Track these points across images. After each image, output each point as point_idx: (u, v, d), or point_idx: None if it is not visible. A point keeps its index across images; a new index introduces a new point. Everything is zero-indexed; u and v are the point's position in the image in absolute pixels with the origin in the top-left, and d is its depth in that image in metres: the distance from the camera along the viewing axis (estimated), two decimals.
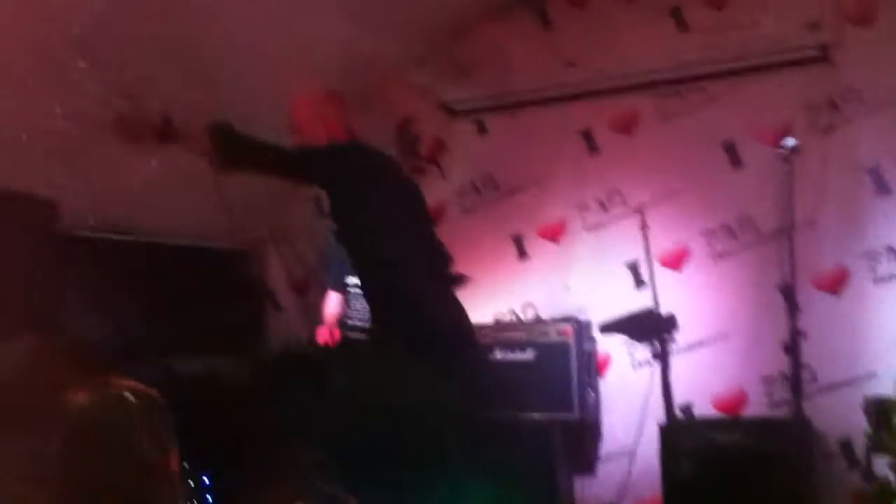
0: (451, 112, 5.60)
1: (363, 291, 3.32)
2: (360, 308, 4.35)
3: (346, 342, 4.27)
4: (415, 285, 3.08)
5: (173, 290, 5.02)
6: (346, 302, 4.52)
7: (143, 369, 4.24)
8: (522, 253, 5.48)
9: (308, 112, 3.34)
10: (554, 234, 5.41)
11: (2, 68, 3.87)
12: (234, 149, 2.94)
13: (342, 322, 4.49)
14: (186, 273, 5.11)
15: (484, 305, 5.18)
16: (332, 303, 4.59)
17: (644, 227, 4.69)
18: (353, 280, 4.40)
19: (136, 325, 4.83)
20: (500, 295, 5.36)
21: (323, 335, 4.46)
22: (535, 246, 5.45)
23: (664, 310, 4.60)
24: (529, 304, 5.29)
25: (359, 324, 4.36)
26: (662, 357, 4.49)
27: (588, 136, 5.36)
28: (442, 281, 3.21)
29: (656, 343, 4.54)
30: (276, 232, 5.80)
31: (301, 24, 4.58)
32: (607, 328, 4.82)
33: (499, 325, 5.14)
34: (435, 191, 5.38)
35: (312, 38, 4.62)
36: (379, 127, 5.42)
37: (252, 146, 2.98)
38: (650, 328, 4.59)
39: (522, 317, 5.27)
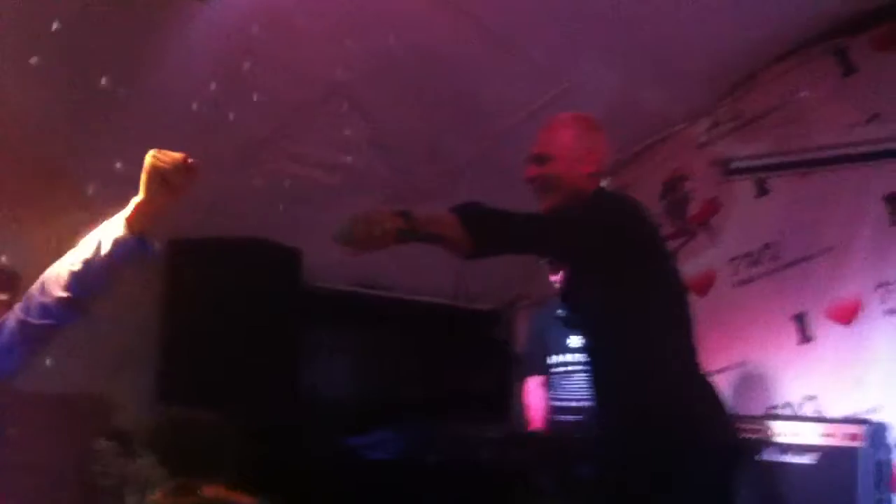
0: (728, 170, 5.00)
1: (597, 374, 2.83)
2: (570, 389, 3.98)
3: (562, 427, 3.89)
4: (675, 370, 2.61)
5: (419, 348, 4.85)
6: (550, 384, 4.15)
7: (381, 428, 4.16)
8: (805, 336, 4.73)
9: (572, 135, 2.77)
10: (846, 316, 4.61)
11: (250, 108, 3.88)
12: (487, 231, 2.55)
13: (551, 406, 4.14)
14: (432, 332, 4.92)
15: (755, 395, 4.53)
16: (535, 387, 4.25)
17: None
18: (558, 359, 4.02)
19: (378, 382, 4.71)
20: (776, 384, 4.65)
21: (536, 421, 4.12)
22: (822, 328, 4.67)
23: None
24: (811, 398, 4.54)
25: (572, 405, 3.97)
26: None
27: (894, 202, 4.55)
28: (698, 366, 2.69)
29: None
30: (526, 294, 5.48)
31: (567, 73, 4.27)
32: None
33: (770, 420, 4.42)
34: (703, 258, 4.80)
35: (579, 88, 4.28)
36: (644, 182, 4.99)
37: (508, 223, 2.52)
38: None
39: (801, 412, 4.52)
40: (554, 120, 2.82)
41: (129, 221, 1.87)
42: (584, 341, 2.86)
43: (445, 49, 3.99)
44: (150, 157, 1.88)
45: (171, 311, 4.05)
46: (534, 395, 4.27)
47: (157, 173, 1.85)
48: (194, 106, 3.56)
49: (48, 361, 3.91)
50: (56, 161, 3.62)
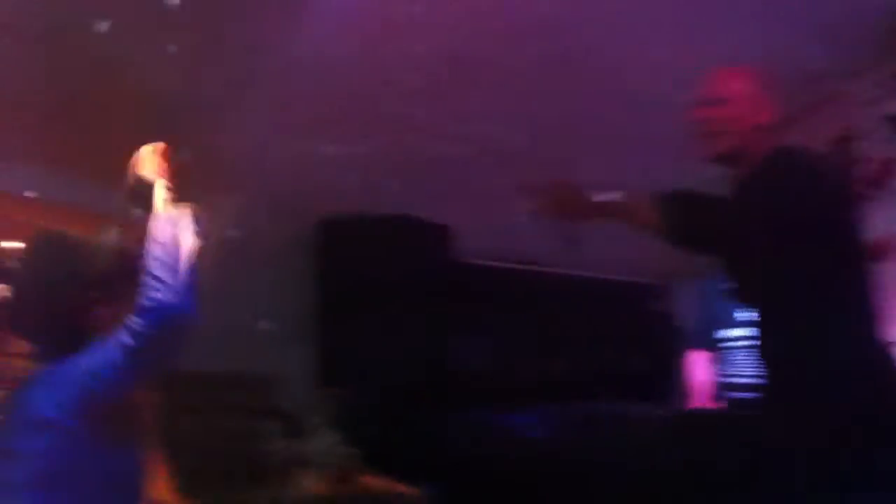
0: None
1: (772, 348, 2.63)
2: (742, 364, 3.71)
3: (739, 407, 3.64)
4: (855, 341, 2.42)
5: (575, 324, 4.73)
6: (718, 360, 3.91)
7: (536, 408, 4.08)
8: None
9: (746, 81, 2.57)
10: None
11: (398, 94, 3.87)
12: (688, 221, 2.44)
13: (721, 383, 3.90)
14: (589, 306, 4.79)
15: None
16: (701, 364, 3.99)
17: None
18: (729, 333, 3.79)
19: (533, 359, 4.63)
20: None
21: (701, 398, 3.90)
22: None
23: None
24: None
25: (744, 381, 3.72)
26: None
27: None
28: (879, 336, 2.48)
29: None
30: (688, 266, 5.24)
31: (720, 34, 4.03)
32: None
33: None
34: (884, 221, 4.44)
35: (734, 49, 4.03)
36: (809, 143, 4.65)
37: (711, 212, 2.44)
38: None
39: None
40: (723, 68, 2.64)
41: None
42: (755, 314, 2.66)
43: (587, 13, 3.84)
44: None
45: (324, 289, 4.12)
46: (699, 371, 4.07)
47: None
48: (337, 81, 3.60)
49: (210, 341, 4.11)
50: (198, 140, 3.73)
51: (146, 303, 1.72)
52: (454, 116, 3.94)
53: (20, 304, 1.91)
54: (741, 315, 3.77)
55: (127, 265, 1.91)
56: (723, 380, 3.91)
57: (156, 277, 1.73)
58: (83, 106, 3.47)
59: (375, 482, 2.56)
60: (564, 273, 4.67)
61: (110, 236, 1.97)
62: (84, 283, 1.87)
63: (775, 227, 2.38)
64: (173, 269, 1.74)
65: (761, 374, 2.62)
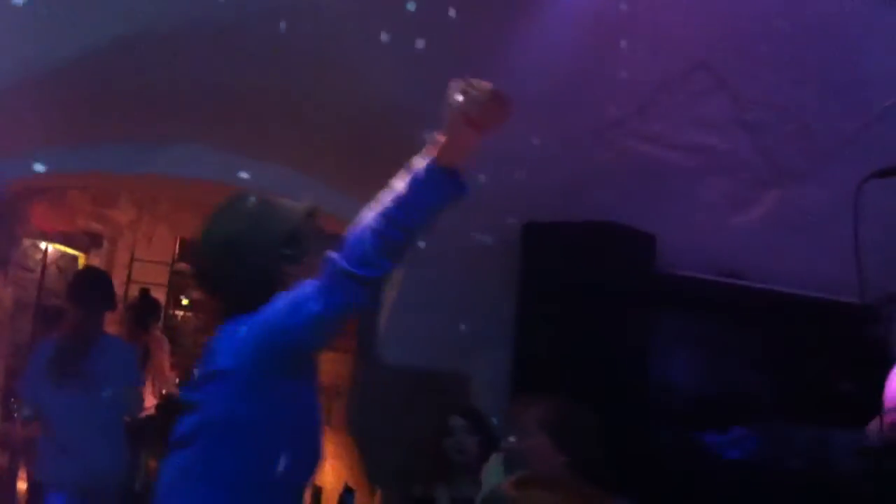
0: None
1: None
2: None
3: None
4: None
5: (779, 343, 4.48)
6: None
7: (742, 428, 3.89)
8: None
9: None
10: None
11: (613, 96, 3.78)
12: None
13: None
14: (796, 326, 4.52)
15: None
16: None
17: None
18: None
19: (734, 377, 4.42)
20: None
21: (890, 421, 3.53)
22: None
23: None
24: None
25: None
26: None
27: None
28: None
29: None
30: None
31: None
32: None
33: None
34: None
35: None
36: None
37: None
38: None
39: None
40: None
41: (437, 156, 1.71)
42: None
43: (819, 13, 3.61)
44: (458, 88, 1.70)
45: (525, 294, 4.07)
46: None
47: (463, 107, 1.67)
48: (551, 85, 3.54)
49: (413, 339, 4.17)
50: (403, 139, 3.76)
51: (345, 255, 1.68)
52: (676, 124, 3.81)
53: (210, 261, 1.93)
54: None
55: (316, 228, 1.95)
56: None
57: (387, 218, 1.67)
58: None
59: (572, 488, 2.47)
60: (774, 289, 4.43)
61: (303, 202, 1.97)
62: (278, 240, 1.88)
63: None
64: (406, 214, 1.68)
65: None
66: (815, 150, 4.08)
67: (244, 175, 3.85)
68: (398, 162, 1.72)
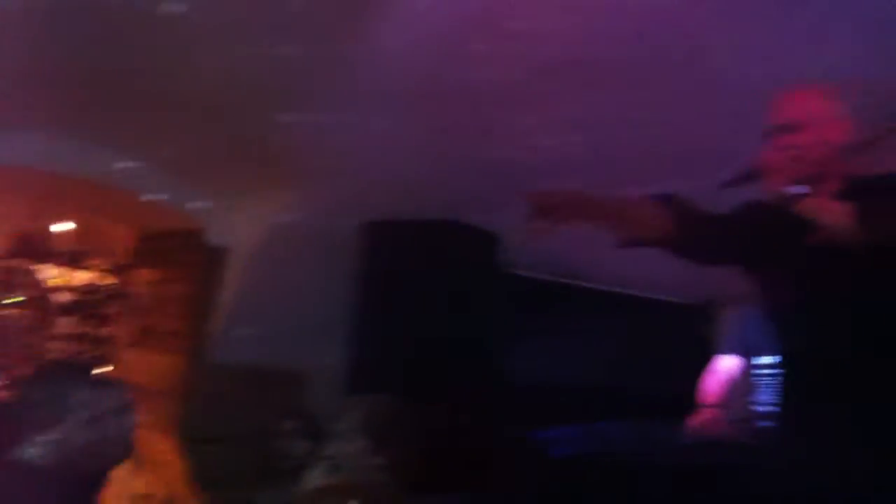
0: None
1: (805, 380, 2.48)
2: (773, 393, 3.58)
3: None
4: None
5: (615, 342, 4.59)
6: (752, 387, 3.73)
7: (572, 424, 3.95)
8: None
9: (821, 101, 2.44)
10: None
11: (462, 95, 3.75)
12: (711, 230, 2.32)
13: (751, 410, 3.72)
14: (631, 325, 4.65)
15: None
16: (725, 373, 3.78)
17: None
18: (762, 361, 3.64)
19: (571, 375, 4.50)
20: None
21: (704, 418, 3.66)
22: None
23: None
24: None
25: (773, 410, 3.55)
26: None
27: None
28: None
29: None
30: (734, 290, 5.09)
31: (815, 50, 3.87)
32: None
33: None
34: None
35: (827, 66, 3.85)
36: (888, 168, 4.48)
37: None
38: None
39: None
40: (795, 87, 2.48)
41: None
42: (791, 343, 2.51)
43: (676, 23, 3.70)
44: None
45: (366, 292, 4.00)
46: (719, 397, 3.89)
47: None
48: (399, 84, 3.49)
49: (247, 338, 4.03)
50: (268, 140, 3.64)
51: None
52: (521, 124, 3.82)
53: None
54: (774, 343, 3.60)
55: None
56: (756, 408, 3.75)
57: None
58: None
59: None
60: (613, 290, 4.55)
61: None
62: None
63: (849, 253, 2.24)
64: None
65: (783, 405, 2.51)
66: (668, 154, 4.18)
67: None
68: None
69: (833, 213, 2.19)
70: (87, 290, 5.24)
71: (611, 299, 4.58)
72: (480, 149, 3.91)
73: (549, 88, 3.75)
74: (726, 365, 3.91)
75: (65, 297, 5.25)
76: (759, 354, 3.78)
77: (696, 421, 3.73)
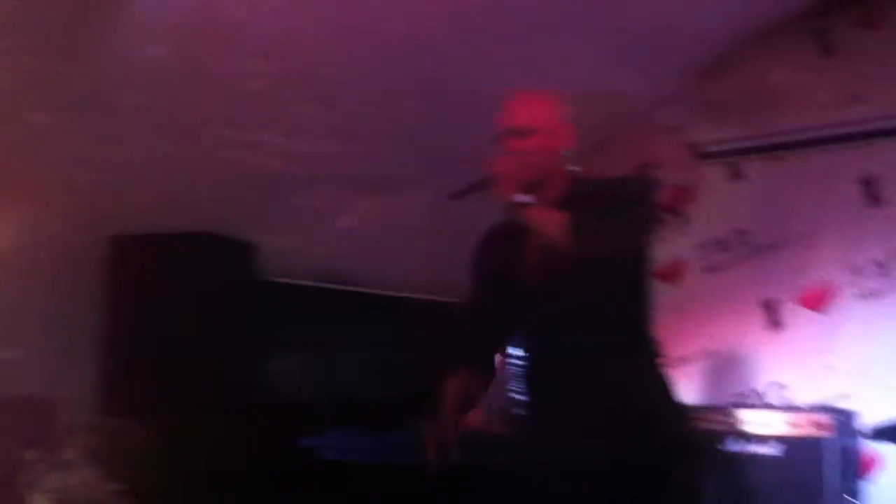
0: (700, 155, 4.83)
1: (544, 369, 2.64)
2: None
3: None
4: (630, 363, 2.45)
5: (382, 344, 4.64)
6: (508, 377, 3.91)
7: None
8: (775, 322, 4.63)
9: (547, 107, 2.53)
10: (817, 302, 4.53)
11: (209, 103, 3.64)
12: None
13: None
14: (398, 326, 4.73)
15: (724, 385, 4.48)
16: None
17: None
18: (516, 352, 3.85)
19: (337, 380, 4.51)
20: (745, 372, 4.58)
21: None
22: (793, 315, 4.58)
23: None
24: (781, 386, 4.46)
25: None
26: None
27: (869, 184, 4.44)
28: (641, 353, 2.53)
29: None
30: None
31: (538, 53, 4.02)
32: (883, 434, 3.90)
33: (737, 410, 4.29)
34: (673, 245, 4.67)
35: (549, 68, 4.02)
36: (612, 169, 4.79)
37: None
38: None
39: (770, 401, 4.44)
40: (522, 93, 2.57)
41: None
42: (532, 333, 2.66)
43: (414, 32, 3.74)
44: None
45: (114, 310, 3.82)
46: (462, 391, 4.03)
47: None
48: (140, 93, 3.33)
49: None
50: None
51: None
52: (275, 131, 3.77)
53: None
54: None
55: None
56: (512, 397, 3.89)
57: None
58: None
59: None
60: (374, 292, 4.61)
61: None
62: None
63: (576, 255, 2.36)
64: None
65: (530, 393, 2.66)
66: (418, 160, 4.24)
67: None
68: None
69: (550, 224, 2.31)
70: None
71: (373, 301, 4.64)
72: (230, 158, 3.83)
73: (294, 97, 3.72)
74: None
75: None
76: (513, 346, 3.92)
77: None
